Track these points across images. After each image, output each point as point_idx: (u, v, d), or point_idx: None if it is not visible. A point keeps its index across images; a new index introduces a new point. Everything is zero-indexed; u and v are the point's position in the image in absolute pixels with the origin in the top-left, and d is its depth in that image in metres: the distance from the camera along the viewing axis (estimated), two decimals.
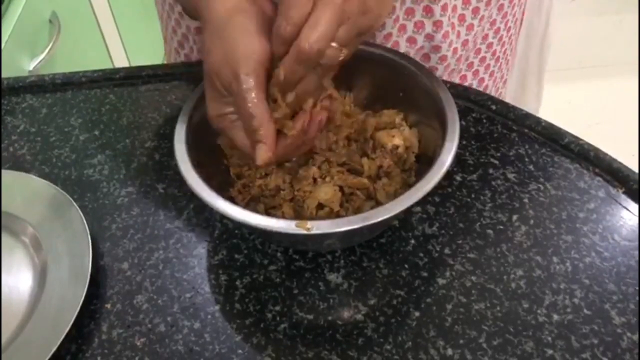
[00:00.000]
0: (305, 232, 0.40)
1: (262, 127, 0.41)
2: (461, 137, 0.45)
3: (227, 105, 0.43)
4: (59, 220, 0.51)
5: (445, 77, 0.65)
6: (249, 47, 0.41)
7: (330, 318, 0.46)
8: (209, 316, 0.46)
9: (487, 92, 0.62)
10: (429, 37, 0.59)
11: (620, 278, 0.46)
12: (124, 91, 0.66)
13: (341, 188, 0.48)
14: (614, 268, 0.47)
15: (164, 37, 0.73)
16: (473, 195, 0.53)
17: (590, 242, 0.49)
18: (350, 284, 0.48)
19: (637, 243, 0.48)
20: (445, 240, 0.50)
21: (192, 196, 0.47)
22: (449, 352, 0.43)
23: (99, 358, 0.44)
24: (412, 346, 0.44)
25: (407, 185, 0.49)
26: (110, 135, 0.61)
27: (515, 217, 0.51)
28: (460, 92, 0.60)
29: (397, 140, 0.50)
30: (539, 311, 0.45)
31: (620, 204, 0.51)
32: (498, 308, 0.45)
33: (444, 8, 0.58)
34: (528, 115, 0.58)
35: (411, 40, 0.60)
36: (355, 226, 0.40)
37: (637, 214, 0.50)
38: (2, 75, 0.69)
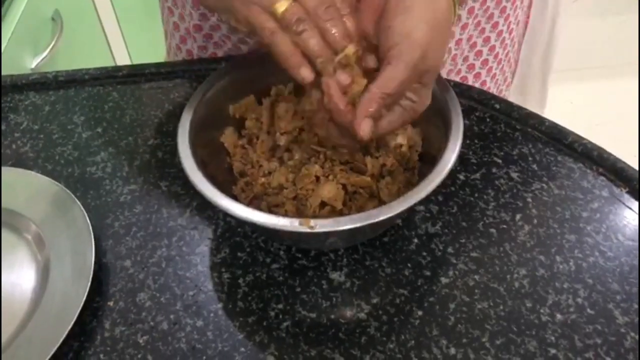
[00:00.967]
0: (308, 230, 0.40)
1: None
2: (464, 136, 0.45)
3: None
4: (61, 217, 0.51)
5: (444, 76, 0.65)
6: None
7: (333, 316, 0.46)
8: (212, 314, 0.46)
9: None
10: None
11: (623, 278, 0.46)
12: (126, 89, 0.66)
13: (344, 186, 0.48)
14: (618, 268, 0.47)
15: (165, 32, 0.73)
16: (476, 195, 0.52)
17: (593, 242, 0.49)
18: (353, 283, 0.48)
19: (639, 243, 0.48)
20: (448, 239, 0.50)
21: (195, 194, 0.47)
22: (452, 351, 0.43)
23: (101, 356, 0.44)
24: (415, 345, 0.43)
25: (410, 184, 0.49)
26: (113, 132, 0.61)
27: (518, 217, 0.51)
28: (464, 91, 0.60)
29: (401, 139, 0.50)
30: (542, 310, 0.45)
31: (623, 204, 0.51)
32: (501, 307, 0.45)
33: None
34: (532, 115, 0.58)
35: None
36: (358, 224, 0.40)
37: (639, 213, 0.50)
38: (5, 73, 0.69)
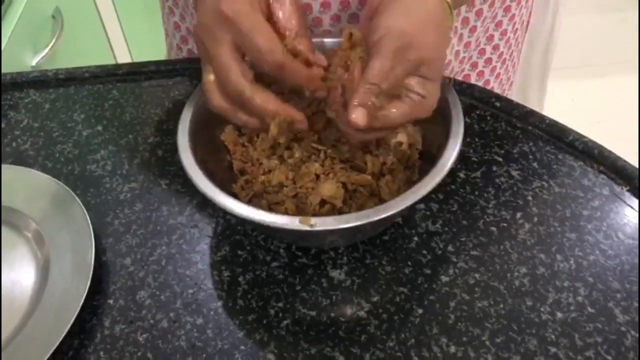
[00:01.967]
0: (308, 228, 0.40)
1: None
2: (465, 135, 0.45)
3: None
4: (61, 215, 0.51)
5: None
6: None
7: (333, 315, 0.46)
8: (212, 312, 0.46)
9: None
10: None
11: (624, 276, 0.46)
12: (127, 87, 0.66)
13: (344, 185, 0.48)
14: (618, 266, 0.47)
15: (166, 32, 0.73)
16: (477, 193, 0.52)
17: (594, 240, 0.49)
18: (353, 281, 0.47)
19: None
20: (448, 237, 0.50)
21: (195, 192, 0.47)
22: (452, 349, 0.43)
23: (101, 353, 0.44)
24: (415, 343, 0.43)
25: (411, 183, 0.49)
26: (113, 130, 0.61)
27: (519, 215, 0.51)
28: (465, 89, 0.60)
29: (401, 137, 0.50)
30: (542, 309, 0.45)
31: (624, 202, 0.51)
32: (501, 306, 0.45)
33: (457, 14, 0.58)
34: (532, 113, 0.57)
35: None
36: (359, 223, 0.40)
37: None
38: (5, 71, 0.69)
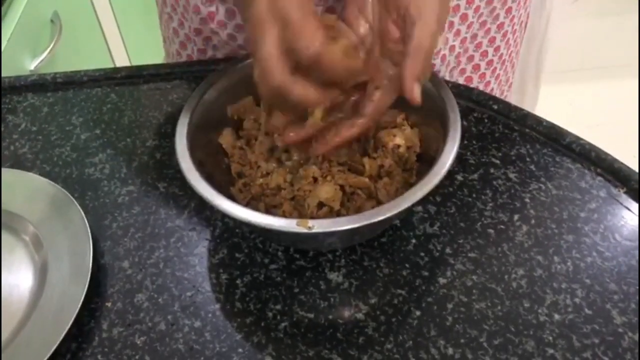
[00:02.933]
0: (306, 230, 0.40)
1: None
2: (462, 137, 0.45)
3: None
4: (59, 218, 0.51)
5: (447, 76, 0.65)
6: None
7: (331, 317, 0.46)
8: (210, 315, 0.46)
9: (493, 94, 0.63)
10: None
11: (621, 278, 0.46)
12: (125, 90, 0.66)
13: (342, 187, 0.48)
14: (615, 268, 0.47)
15: (164, 38, 0.73)
16: (474, 195, 0.52)
17: (591, 242, 0.49)
18: (351, 283, 0.48)
19: (637, 243, 0.48)
20: (446, 239, 0.50)
21: (193, 195, 0.47)
22: (450, 351, 0.43)
23: (99, 356, 0.44)
24: (412, 345, 0.43)
25: (408, 185, 0.49)
26: (112, 134, 0.61)
27: (516, 217, 0.51)
28: (462, 92, 0.60)
29: (399, 140, 0.50)
30: (540, 311, 0.45)
31: (621, 204, 0.51)
32: (499, 307, 0.45)
33: (455, 9, 0.58)
34: (529, 115, 0.58)
35: None
36: (356, 225, 0.40)
37: (638, 213, 0.50)
38: (4, 75, 0.69)
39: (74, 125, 0.63)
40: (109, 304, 0.47)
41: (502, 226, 0.50)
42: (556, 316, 0.44)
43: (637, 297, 0.45)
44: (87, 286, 0.45)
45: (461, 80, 0.66)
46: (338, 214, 0.47)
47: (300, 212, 0.48)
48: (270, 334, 0.45)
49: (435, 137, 0.47)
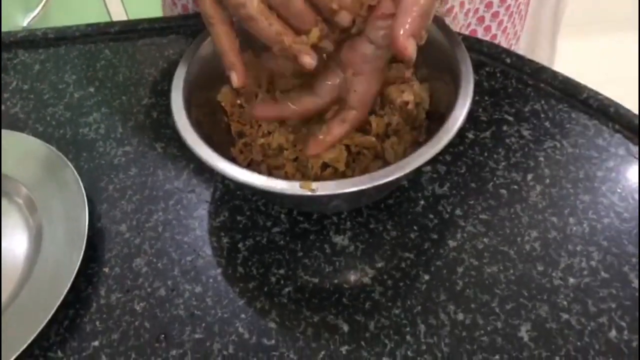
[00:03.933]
0: (309, 193, 0.38)
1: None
2: (474, 93, 0.43)
3: None
4: (53, 181, 0.49)
5: None
6: None
7: (336, 281, 0.44)
8: (211, 280, 0.45)
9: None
10: None
11: None
12: (119, 46, 0.63)
13: (347, 147, 0.45)
14: (634, 229, 0.45)
15: None
16: (486, 154, 0.50)
17: (608, 202, 0.46)
18: (356, 247, 0.46)
19: None
20: (456, 200, 0.48)
21: (192, 156, 0.44)
22: (460, 316, 0.41)
23: (97, 323, 0.43)
24: (421, 310, 0.42)
25: (417, 144, 0.47)
26: (106, 92, 0.59)
27: (530, 177, 0.48)
28: (473, 45, 0.57)
29: (407, 96, 0.47)
30: (554, 274, 0.43)
31: None
32: (511, 271, 0.43)
33: None
34: (544, 69, 0.55)
35: None
36: (362, 187, 0.38)
37: None
38: None
39: (67, 83, 0.60)
40: (106, 269, 0.46)
41: (515, 186, 0.48)
42: (571, 280, 0.43)
43: None
44: (83, 251, 0.44)
45: (466, 34, 0.63)
46: (343, 175, 0.45)
47: (303, 174, 0.46)
48: (274, 299, 0.43)
49: (446, 92, 0.45)
